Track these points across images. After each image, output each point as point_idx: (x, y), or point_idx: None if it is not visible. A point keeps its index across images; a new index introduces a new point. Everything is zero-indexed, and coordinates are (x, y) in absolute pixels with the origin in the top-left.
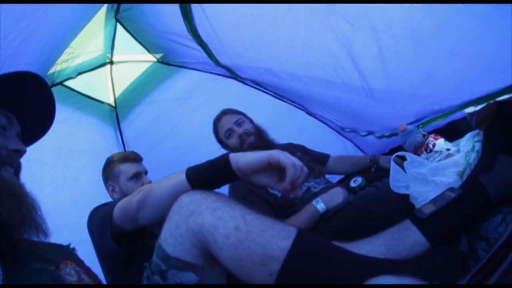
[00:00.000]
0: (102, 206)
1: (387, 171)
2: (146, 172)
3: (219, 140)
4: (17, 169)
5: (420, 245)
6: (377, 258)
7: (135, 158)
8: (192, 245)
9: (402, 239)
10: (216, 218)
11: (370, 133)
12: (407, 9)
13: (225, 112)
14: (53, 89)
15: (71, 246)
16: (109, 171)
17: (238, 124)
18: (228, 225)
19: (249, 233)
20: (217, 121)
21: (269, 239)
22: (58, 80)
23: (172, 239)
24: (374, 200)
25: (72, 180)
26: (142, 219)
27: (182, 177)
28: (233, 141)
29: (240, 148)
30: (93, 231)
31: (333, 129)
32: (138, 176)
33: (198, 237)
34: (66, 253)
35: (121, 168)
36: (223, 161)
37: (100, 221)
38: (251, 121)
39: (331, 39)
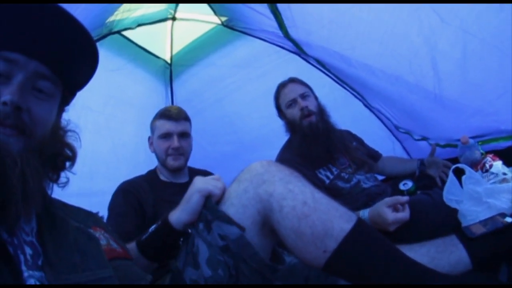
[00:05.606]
0: (121, 199)
1: (431, 178)
2: (183, 134)
3: (278, 108)
4: (20, 129)
5: (463, 265)
6: (428, 267)
7: (171, 115)
8: (257, 210)
9: (447, 254)
10: (288, 190)
11: (424, 138)
12: (504, 17)
13: (293, 80)
14: (110, 38)
15: (100, 215)
16: (151, 125)
17: (303, 97)
18: (297, 198)
19: (316, 209)
20: (281, 87)
21: (332, 219)
22: (116, 29)
23: (236, 200)
24: (426, 208)
25: (116, 131)
26: None
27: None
28: (293, 111)
29: (299, 122)
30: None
31: (386, 126)
32: (168, 136)
33: (264, 205)
34: (95, 219)
35: (157, 123)
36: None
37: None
38: (316, 98)
39: (415, 32)
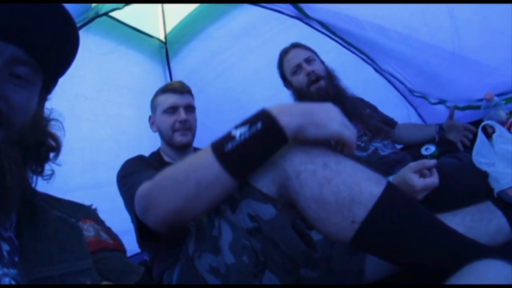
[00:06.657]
0: (132, 163)
1: (452, 144)
2: (189, 107)
3: (282, 76)
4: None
5: (503, 234)
6: (470, 238)
7: (175, 88)
8: (271, 180)
9: (484, 223)
10: (305, 152)
11: (441, 101)
12: None
13: (296, 45)
14: (97, 21)
15: (93, 207)
16: (152, 103)
17: (309, 61)
18: (317, 161)
19: (339, 172)
20: (284, 54)
21: (360, 182)
22: (103, 11)
23: None
24: (456, 172)
25: (114, 117)
26: (151, 222)
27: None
28: (299, 78)
29: (306, 89)
30: (123, 196)
31: (399, 92)
32: (174, 110)
33: (279, 173)
34: (87, 212)
35: (160, 99)
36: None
37: (128, 200)
38: (322, 62)
39: None
